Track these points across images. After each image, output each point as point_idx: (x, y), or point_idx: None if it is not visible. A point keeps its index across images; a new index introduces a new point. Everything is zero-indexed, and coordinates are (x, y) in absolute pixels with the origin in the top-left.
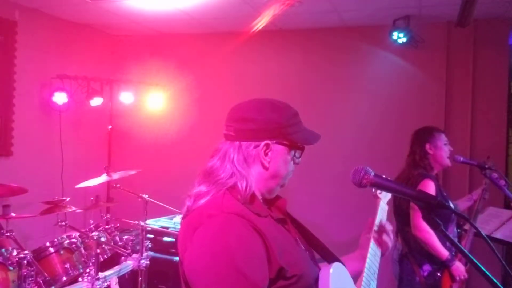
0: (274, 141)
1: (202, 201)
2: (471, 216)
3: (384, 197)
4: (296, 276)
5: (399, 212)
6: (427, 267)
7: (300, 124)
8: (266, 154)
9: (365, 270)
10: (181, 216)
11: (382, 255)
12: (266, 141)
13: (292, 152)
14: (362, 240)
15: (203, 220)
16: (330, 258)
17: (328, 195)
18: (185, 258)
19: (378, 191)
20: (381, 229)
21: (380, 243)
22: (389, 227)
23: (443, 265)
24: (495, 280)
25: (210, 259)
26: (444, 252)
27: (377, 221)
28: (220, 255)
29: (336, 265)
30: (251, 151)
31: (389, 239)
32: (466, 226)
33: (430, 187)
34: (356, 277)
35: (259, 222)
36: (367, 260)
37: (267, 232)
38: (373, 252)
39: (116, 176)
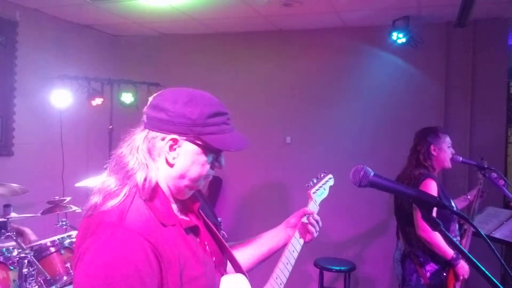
0: (184, 138)
1: (110, 204)
2: (468, 216)
3: (319, 196)
4: None
5: (400, 212)
6: (430, 267)
7: (222, 126)
8: (172, 150)
9: (275, 273)
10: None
11: (305, 243)
12: (173, 136)
13: (212, 155)
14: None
15: (99, 230)
16: (235, 268)
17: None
18: (74, 267)
19: (312, 191)
20: (311, 220)
21: (306, 232)
22: (317, 218)
23: (448, 264)
24: (494, 279)
25: (93, 280)
26: (449, 252)
27: (304, 219)
28: (102, 282)
29: (229, 277)
30: (157, 143)
31: (314, 230)
32: (466, 226)
33: (432, 187)
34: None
35: (163, 236)
36: (280, 263)
37: (169, 250)
38: (292, 248)
39: None
